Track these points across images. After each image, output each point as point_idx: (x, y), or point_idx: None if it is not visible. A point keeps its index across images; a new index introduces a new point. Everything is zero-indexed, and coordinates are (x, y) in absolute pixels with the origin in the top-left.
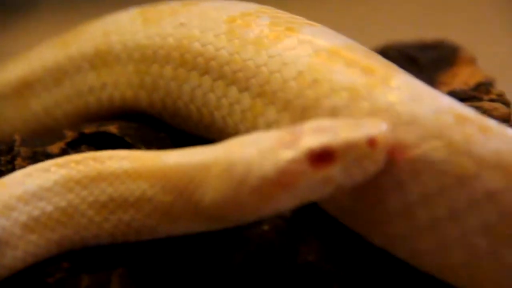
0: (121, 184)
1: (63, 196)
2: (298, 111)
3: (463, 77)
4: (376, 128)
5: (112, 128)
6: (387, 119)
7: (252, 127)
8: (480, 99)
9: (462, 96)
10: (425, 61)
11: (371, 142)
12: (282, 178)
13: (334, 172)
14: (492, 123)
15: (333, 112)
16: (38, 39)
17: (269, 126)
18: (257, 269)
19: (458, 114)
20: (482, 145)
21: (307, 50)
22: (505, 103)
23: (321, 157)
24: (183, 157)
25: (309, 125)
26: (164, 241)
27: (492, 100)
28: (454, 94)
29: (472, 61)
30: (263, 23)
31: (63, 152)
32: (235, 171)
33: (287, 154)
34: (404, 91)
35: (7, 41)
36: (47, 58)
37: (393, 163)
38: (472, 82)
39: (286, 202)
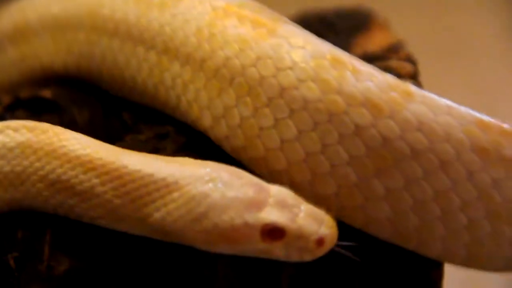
0: (72, 170)
1: (20, 160)
2: (198, 63)
3: (376, 40)
4: (329, 228)
5: (46, 93)
6: (270, 64)
7: (159, 82)
8: (389, 59)
9: (373, 56)
10: (342, 26)
11: (319, 241)
12: (232, 234)
13: (276, 248)
14: (363, 66)
15: (226, 61)
16: None
17: (174, 79)
18: None
19: (333, 58)
20: (353, 84)
21: (206, 8)
22: (412, 62)
23: (272, 232)
24: (145, 166)
25: (275, 194)
26: None
27: (400, 59)
28: (366, 54)
29: (385, 25)
30: None
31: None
32: (194, 208)
33: (246, 218)
34: (286, 39)
35: None
36: None
37: None
38: (384, 44)
39: (224, 250)
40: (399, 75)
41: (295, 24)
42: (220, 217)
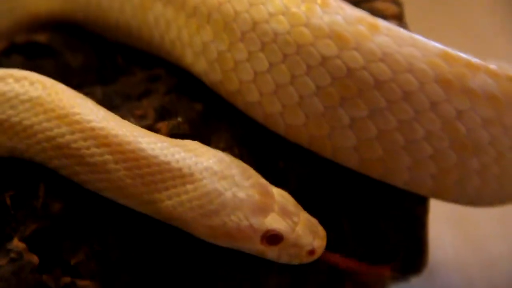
0: (84, 140)
1: (30, 116)
2: (179, 2)
3: None
4: (321, 241)
5: (41, 38)
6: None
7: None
8: (375, 0)
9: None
10: None
11: (311, 252)
12: (236, 234)
13: (271, 251)
14: (333, 1)
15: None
16: None
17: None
18: None
19: None
20: (320, 17)
21: None
22: (397, 3)
23: (272, 238)
24: (162, 153)
25: (279, 200)
26: None
27: (384, 1)
28: None
29: None
30: None
31: None
32: (207, 204)
33: (252, 221)
34: None
35: None
36: None
37: None
38: None
39: (222, 244)
40: (384, 16)
41: None
42: (229, 216)
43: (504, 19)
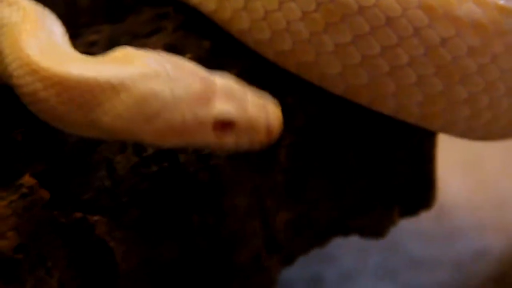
0: (18, 68)
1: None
2: None
3: None
4: (276, 117)
5: None
6: None
7: None
8: None
9: None
10: None
11: (268, 131)
12: (184, 130)
13: (227, 140)
14: None
15: None
16: None
17: None
18: None
19: None
20: None
21: None
22: None
23: (224, 125)
24: (86, 70)
25: (222, 86)
26: None
27: None
28: None
29: None
30: None
31: None
32: (145, 108)
33: (198, 113)
34: None
35: None
36: None
37: None
38: None
39: (176, 144)
40: None
41: None
42: (172, 114)
43: None
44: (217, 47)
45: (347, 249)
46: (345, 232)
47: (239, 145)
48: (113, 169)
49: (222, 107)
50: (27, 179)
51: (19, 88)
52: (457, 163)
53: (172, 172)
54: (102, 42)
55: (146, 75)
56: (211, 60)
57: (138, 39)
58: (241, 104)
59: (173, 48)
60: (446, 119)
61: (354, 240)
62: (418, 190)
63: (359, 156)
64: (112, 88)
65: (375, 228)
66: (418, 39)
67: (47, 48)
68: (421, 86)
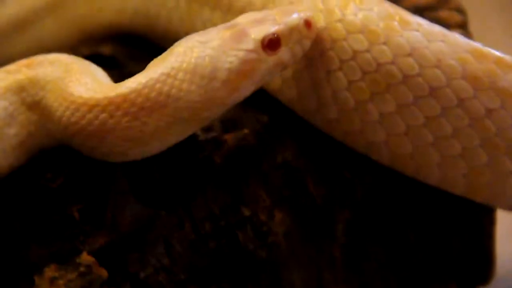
0: (73, 114)
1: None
2: (226, 6)
3: None
4: (305, 12)
5: (106, 50)
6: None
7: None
8: (438, 10)
9: (424, 7)
10: None
11: (307, 24)
12: (245, 67)
13: (283, 54)
14: (411, 17)
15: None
16: None
17: (205, 24)
18: (238, 169)
19: None
20: (354, 13)
21: None
22: (461, 11)
23: (271, 43)
24: (138, 80)
25: (245, 20)
26: None
27: (449, 10)
28: (417, 5)
29: None
30: None
31: None
32: (202, 71)
33: (245, 46)
34: None
35: None
36: None
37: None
38: None
39: (248, 89)
40: (447, 25)
41: None
42: (228, 62)
43: None
44: (275, 122)
45: None
46: None
47: (295, 51)
48: (170, 246)
49: (257, 31)
50: (85, 257)
51: (78, 134)
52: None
53: (230, 249)
54: None
55: (184, 54)
56: (269, 134)
57: None
58: (270, 19)
59: (231, 122)
60: (492, 191)
61: None
62: (476, 266)
63: (417, 230)
64: (169, 76)
65: None
66: (462, 110)
67: (95, 87)
68: (466, 157)
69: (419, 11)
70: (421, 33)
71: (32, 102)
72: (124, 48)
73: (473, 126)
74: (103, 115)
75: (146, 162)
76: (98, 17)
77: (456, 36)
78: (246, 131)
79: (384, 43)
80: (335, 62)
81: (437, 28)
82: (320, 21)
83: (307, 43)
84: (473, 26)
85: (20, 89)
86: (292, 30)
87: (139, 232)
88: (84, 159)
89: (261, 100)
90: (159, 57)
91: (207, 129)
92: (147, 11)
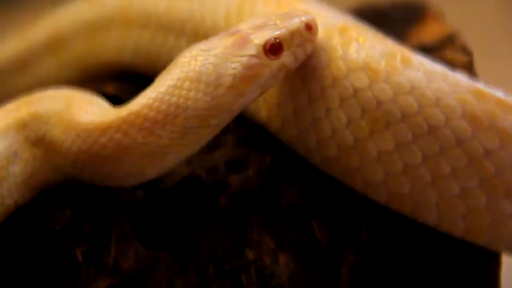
0: (84, 142)
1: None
2: None
3: (431, 31)
4: (305, 15)
5: (109, 88)
6: None
7: None
8: (444, 50)
9: (429, 47)
10: (397, 18)
11: (308, 27)
12: (249, 72)
13: (285, 58)
14: (370, 37)
15: None
16: None
17: None
18: (242, 211)
19: (342, 27)
20: (356, 51)
21: None
22: (467, 52)
23: (273, 48)
24: (148, 95)
25: (246, 26)
26: (153, 187)
27: (455, 50)
28: (422, 45)
29: (439, 16)
30: None
31: None
32: (207, 78)
33: (248, 52)
34: None
35: None
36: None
37: None
38: (439, 35)
39: (253, 94)
40: (453, 65)
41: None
42: (231, 67)
43: None
44: (279, 163)
45: None
46: None
47: (298, 54)
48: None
49: (258, 36)
50: None
51: (91, 162)
52: None
53: None
54: None
55: (189, 63)
56: (273, 176)
57: (200, 154)
58: (271, 24)
59: (235, 164)
60: (492, 233)
61: None
62: None
63: (422, 271)
64: (176, 88)
65: None
66: (461, 150)
67: (102, 113)
68: (464, 198)
69: (425, 50)
70: (422, 72)
71: (36, 138)
72: (127, 86)
73: (471, 166)
74: (117, 136)
75: (149, 204)
76: (98, 56)
77: (457, 76)
78: (250, 172)
79: (385, 81)
80: (336, 100)
81: (438, 68)
82: (322, 59)
83: (309, 46)
84: (479, 64)
85: (22, 126)
86: (293, 34)
87: (142, 275)
88: (87, 199)
89: (265, 141)
90: (165, 70)
91: (211, 170)
92: (147, 50)
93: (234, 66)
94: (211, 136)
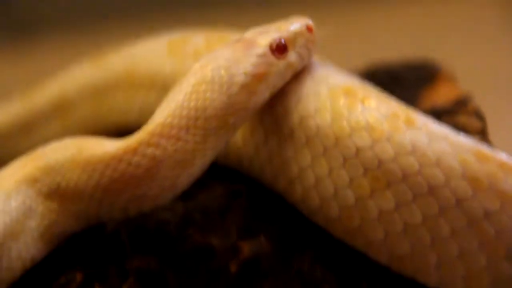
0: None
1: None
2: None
3: (444, 93)
4: (305, 19)
5: None
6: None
7: None
8: (458, 114)
9: (441, 110)
10: (409, 78)
11: (309, 28)
12: (259, 70)
13: (291, 58)
14: (375, 97)
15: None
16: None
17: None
18: (254, 278)
19: (346, 88)
20: (360, 112)
21: None
22: (480, 117)
23: (279, 48)
24: (168, 106)
25: (251, 33)
26: (165, 253)
27: (468, 115)
28: (434, 108)
29: (452, 78)
30: None
31: None
32: (220, 80)
33: (256, 52)
34: None
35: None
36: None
37: None
38: (452, 97)
39: (264, 92)
40: (467, 131)
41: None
42: (241, 67)
43: None
44: (291, 229)
45: None
46: None
47: (302, 54)
48: None
49: (264, 38)
50: None
51: (126, 186)
52: None
53: None
54: (174, 221)
55: (201, 70)
56: (285, 242)
57: (211, 218)
58: (273, 29)
59: (247, 229)
60: None
61: None
62: None
63: None
64: (193, 91)
65: None
66: (460, 210)
67: (119, 142)
68: (464, 259)
69: (437, 114)
70: (424, 132)
71: (49, 191)
72: None
73: (471, 227)
74: (150, 150)
75: (161, 270)
76: (104, 118)
77: (459, 137)
78: (262, 238)
79: (387, 141)
80: (339, 159)
81: (441, 129)
82: (326, 120)
83: (312, 46)
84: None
85: (33, 181)
86: (296, 35)
87: None
88: (97, 259)
89: (276, 207)
90: (175, 85)
91: (223, 235)
92: (153, 110)
93: (245, 65)
94: (229, 138)
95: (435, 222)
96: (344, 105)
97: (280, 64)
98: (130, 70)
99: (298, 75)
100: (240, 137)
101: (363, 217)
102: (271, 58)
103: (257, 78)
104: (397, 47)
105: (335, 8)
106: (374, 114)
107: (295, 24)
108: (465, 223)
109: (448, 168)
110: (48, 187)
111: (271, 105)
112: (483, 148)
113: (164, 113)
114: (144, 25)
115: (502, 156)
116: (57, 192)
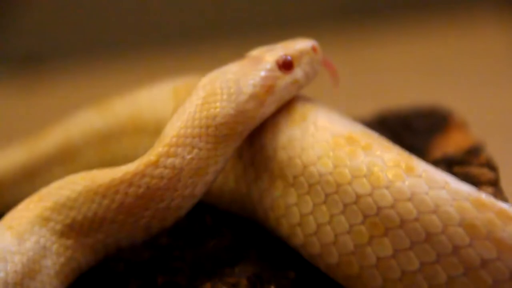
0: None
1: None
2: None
3: (455, 141)
4: (310, 40)
5: None
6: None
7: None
8: (470, 164)
9: (453, 160)
10: (420, 126)
11: (314, 49)
12: (265, 83)
13: (297, 74)
14: (376, 145)
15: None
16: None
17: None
18: None
19: (349, 136)
20: (362, 160)
21: None
22: (492, 168)
23: (285, 64)
24: (180, 118)
25: (257, 51)
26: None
27: (480, 165)
28: (446, 157)
29: (464, 126)
30: None
31: None
32: (228, 90)
33: (263, 66)
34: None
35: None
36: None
37: None
38: (464, 146)
39: (271, 105)
40: (479, 182)
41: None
42: (249, 79)
43: None
44: (303, 278)
45: None
46: None
47: (307, 71)
48: None
49: (271, 54)
50: None
51: (152, 199)
52: None
53: None
54: (186, 270)
55: (210, 82)
56: None
57: (222, 267)
58: (279, 47)
59: (257, 279)
60: None
61: None
62: None
63: None
64: (203, 103)
65: None
66: (457, 258)
67: (131, 163)
68: None
69: (448, 164)
70: (423, 179)
71: (63, 228)
72: None
73: (468, 275)
74: (170, 160)
75: None
76: (109, 164)
77: (459, 185)
78: (272, 287)
79: (386, 188)
80: (339, 206)
81: (441, 175)
82: (328, 167)
83: (317, 66)
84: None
85: (45, 220)
86: (301, 53)
87: None
88: None
89: (286, 255)
90: (183, 101)
91: (233, 284)
92: None
93: (253, 77)
94: (236, 145)
95: (432, 269)
96: (345, 152)
97: (286, 78)
98: (135, 116)
99: (301, 123)
100: (244, 185)
101: (362, 264)
102: (278, 73)
103: (265, 89)
104: (405, 90)
105: (340, 45)
106: (375, 161)
107: (300, 43)
108: (462, 271)
109: (446, 215)
110: (62, 224)
111: (275, 152)
112: (482, 195)
113: (177, 125)
114: (146, 57)
115: (501, 205)
116: (72, 228)
